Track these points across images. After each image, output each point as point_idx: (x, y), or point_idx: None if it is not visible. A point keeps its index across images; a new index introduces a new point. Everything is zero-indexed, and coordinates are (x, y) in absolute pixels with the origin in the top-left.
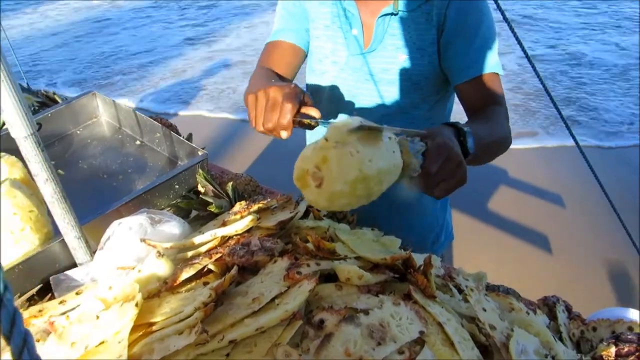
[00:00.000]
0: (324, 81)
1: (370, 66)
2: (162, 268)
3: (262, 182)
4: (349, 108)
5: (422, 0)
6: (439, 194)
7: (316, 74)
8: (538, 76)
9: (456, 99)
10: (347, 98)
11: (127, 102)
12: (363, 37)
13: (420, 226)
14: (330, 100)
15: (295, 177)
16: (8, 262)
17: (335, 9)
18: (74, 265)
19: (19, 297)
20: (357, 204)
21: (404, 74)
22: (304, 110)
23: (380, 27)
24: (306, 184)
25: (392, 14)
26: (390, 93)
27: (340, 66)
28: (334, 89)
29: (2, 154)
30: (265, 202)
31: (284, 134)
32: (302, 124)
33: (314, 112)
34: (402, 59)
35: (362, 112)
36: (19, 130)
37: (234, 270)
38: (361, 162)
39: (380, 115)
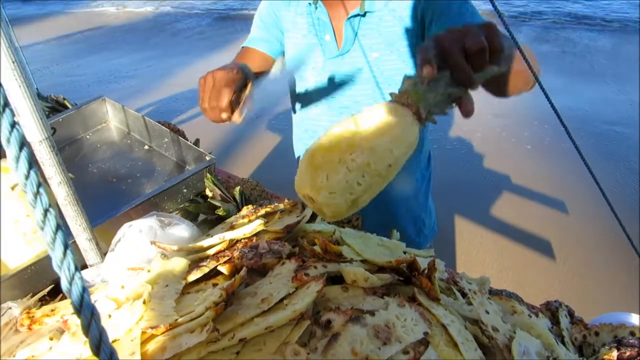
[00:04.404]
0: (305, 86)
1: (345, 67)
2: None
3: (267, 187)
4: (329, 109)
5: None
6: (494, 37)
7: (297, 80)
8: (535, 77)
9: None
10: (326, 100)
11: (134, 104)
12: (336, 42)
13: (402, 218)
14: (311, 103)
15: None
16: (21, 262)
17: (310, 19)
18: (84, 266)
19: (31, 296)
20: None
21: (377, 70)
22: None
23: (349, 29)
24: (314, 205)
25: (359, 15)
26: (367, 90)
27: (318, 71)
28: (314, 93)
29: None
30: (272, 206)
31: (224, 115)
32: (237, 102)
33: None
34: (374, 57)
35: (342, 111)
36: (35, 134)
37: (243, 272)
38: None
39: (353, 107)
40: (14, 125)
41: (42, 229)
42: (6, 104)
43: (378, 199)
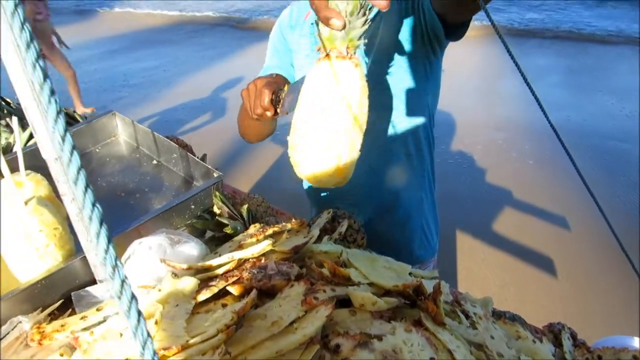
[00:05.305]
0: None
1: None
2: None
3: (271, 200)
4: None
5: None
6: None
7: None
8: (534, 96)
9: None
10: None
11: (140, 113)
12: None
13: (402, 233)
14: None
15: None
16: (32, 277)
17: (313, 39)
18: (92, 281)
19: (41, 311)
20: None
21: (375, 76)
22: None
23: None
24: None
25: None
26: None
27: None
28: None
29: (27, 171)
30: (280, 226)
31: (268, 114)
32: (278, 101)
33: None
34: (370, 62)
35: None
36: (50, 152)
37: (253, 294)
38: None
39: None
40: (94, 204)
41: (119, 298)
42: (102, 221)
43: (383, 208)
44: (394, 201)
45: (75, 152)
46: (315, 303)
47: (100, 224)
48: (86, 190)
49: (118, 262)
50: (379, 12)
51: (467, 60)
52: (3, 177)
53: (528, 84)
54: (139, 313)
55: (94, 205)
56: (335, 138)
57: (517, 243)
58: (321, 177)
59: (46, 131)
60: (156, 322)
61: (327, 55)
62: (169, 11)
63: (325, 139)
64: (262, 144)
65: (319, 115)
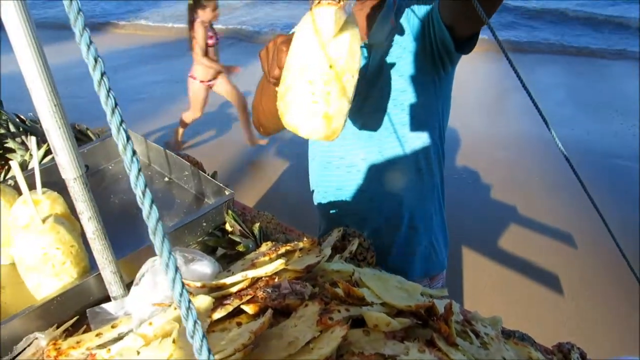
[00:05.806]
0: None
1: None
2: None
3: (279, 216)
4: (342, 139)
5: (389, 29)
6: None
7: None
8: (540, 113)
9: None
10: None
11: (143, 128)
12: None
13: (412, 247)
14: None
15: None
16: (48, 293)
17: None
18: (106, 298)
19: (56, 328)
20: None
21: (385, 92)
22: None
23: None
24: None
25: (363, 46)
26: (374, 114)
27: None
28: None
29: (44, 189)
30: (292, 244)
31: None
32: None
33: None
34: (379, 83)
35: (353, 137)
36: (69, 172)
37: (269, 314)
38: None
39: (367, 137)
40: (170, 252)
41: (192, 337)
42: (177, 268)
43: (393, 222)
44: (404, 216)
45: (154, 206)
46: (331, 323)
47: (176, 271)
48: (163, 240)
49: (191, 305)
50: (391, 30)
51: (472, 76)
52: (21, 194)
53: (533, 101)
54: (209, 351)
55: (170, 253)
56: (323, 83)
57: (522, 260)
58: (308, 126)
59: (66, 152)
60: (174, 341)
61: (318, 2)
62: (176, 24)
63: (312, 85)
64: (267, 157)
65: (307, 62)
